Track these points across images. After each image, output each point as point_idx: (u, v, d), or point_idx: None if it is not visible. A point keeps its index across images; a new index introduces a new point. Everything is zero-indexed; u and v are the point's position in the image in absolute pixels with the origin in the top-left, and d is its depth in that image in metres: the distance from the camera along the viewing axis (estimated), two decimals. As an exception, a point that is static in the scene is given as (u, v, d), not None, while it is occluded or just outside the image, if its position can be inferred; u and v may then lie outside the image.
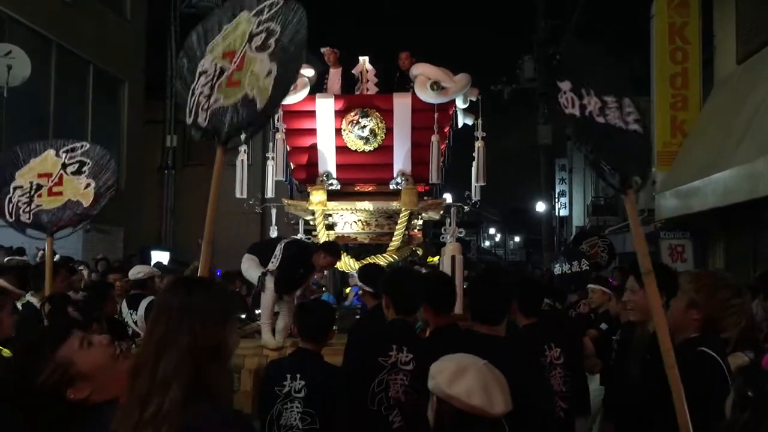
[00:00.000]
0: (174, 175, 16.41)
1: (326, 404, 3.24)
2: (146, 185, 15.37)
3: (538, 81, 19.29)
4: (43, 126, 11.97)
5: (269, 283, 5.07)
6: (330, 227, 6.62)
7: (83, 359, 1.75)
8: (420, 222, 7.20)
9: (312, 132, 6.52)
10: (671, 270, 3.36)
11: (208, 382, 1.65)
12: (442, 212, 7.07)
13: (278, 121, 6.47)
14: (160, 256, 13.26)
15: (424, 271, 6.88)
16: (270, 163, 6.71)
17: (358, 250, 6.71)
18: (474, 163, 6.81)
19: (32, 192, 4.17)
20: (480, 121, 6.74)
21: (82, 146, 4.27)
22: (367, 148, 6.47)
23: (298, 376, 3.28)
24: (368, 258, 6.40)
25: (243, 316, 6.07)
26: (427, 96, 6.21)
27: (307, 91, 6.39)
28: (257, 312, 5.63)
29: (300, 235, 6.94)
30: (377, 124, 6.40)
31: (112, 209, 5.53)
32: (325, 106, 6.44)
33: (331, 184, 6.53)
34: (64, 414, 1.71)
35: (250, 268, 5.24)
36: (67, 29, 12.43)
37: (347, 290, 7.72)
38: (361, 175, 6.67)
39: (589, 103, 2.55)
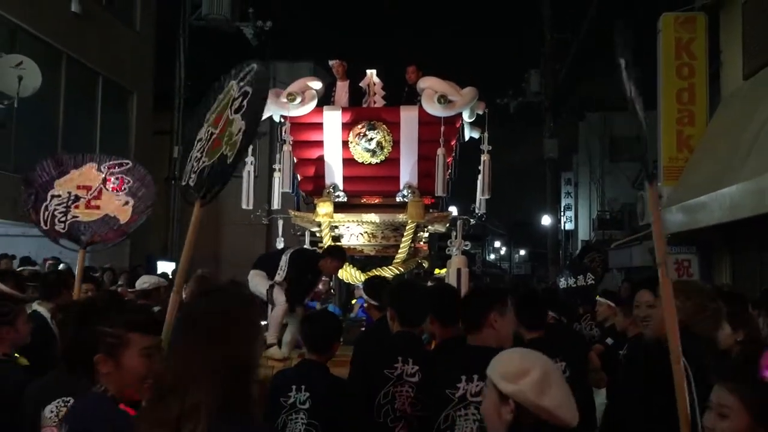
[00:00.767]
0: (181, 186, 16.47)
1: (331, 416, 3.24)
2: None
3: (544, 95, 19.33)
4: (53, 136, 12.06)
5: (278, 295, 5.07)
6: (336, 239, 6.64)
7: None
8: (426, 234, 7.21)
9: (319, 144, 6.56)
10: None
11: (239, 401, 1.60)
12: (447, 225, 7.07)
13: (285, 132, 6.51)
14: (166, 267, 13.29)
15: (429, 283, 6.89)
16: (277, 175, 6.74)
17: (364, 262, 6.73)
18: (480, 177, 6.82)
19: (69, 202, 4.15)
20: (486, 135, 6.76)
21: (125, 164, 4.28)
22: (374, 160, 6.50)
23: (303, 387, 3.28)
24: (374, 270, 6.41)
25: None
26: (434, 109, 6.24)
27: (314, 103, 6.44)
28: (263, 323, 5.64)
29: (306, 246, 6.96)
30: (384, 136, 6.43)
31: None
32: (333, 119, 6.48)
33: (338, 196, 6.56)
34: None
35: (258, 284, 5.21)
36: (77, 41, 12.53)
37: (353, 302, 7.72)
38: (368, 188, 6.70)
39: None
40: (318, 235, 6.78)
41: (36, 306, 4.83)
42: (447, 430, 2.60)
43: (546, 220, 23.68)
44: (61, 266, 7.63)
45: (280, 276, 5.13)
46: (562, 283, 7.14)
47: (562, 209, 26.89)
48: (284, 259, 5.27)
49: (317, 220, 6.55)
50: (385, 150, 6.46)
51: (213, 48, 17.46)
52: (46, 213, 4.17)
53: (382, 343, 3.45)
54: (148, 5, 15.40)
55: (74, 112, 12.84)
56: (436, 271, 7.85)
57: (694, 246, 10.32)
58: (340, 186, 6.58)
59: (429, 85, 6.33)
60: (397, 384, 3.13)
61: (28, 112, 10.65)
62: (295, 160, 6.65)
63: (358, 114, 6.56)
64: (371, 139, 6.43)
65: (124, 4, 14.78)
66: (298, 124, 6.54)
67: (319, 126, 6.52)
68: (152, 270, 11.63)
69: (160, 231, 16.14)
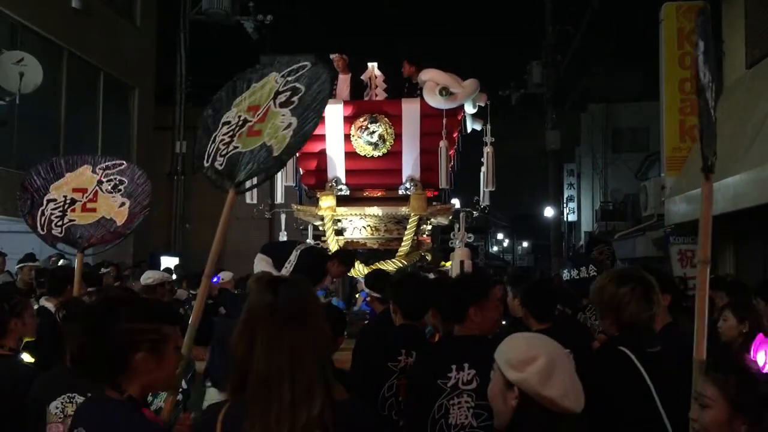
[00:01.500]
0: (183, 181, 16.47)
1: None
2: (156, 191, 15.36)
3: (546, 86, 19.27)
4: (55, 133, 12.06)
5: None
6: (339, 232, 6.64)
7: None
8: (429, 227, 7.21)
9: (321, 138, 6.55)
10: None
11: (329, 377, 1.74)
12: (450, 217, 7.07)
13: (287, 126, 6.50)
14: (170, 262, 13.31)
15: (431, 276, 6.89)
16: (279, 169, 6.74)
17: (367, 255, 6.73)
18: (482, 169, 6.82)
19: (65, 206, 4.12)
20: (488, 127, 6.76)
21: (119, 164, 4.22)
22: (376, 153, 6.50)
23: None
24: (377, 263, 6.42)
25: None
26: (436, 102, 6.23)
27: (316, 97, 6.41)
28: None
29: (309, 240, 6.96)
30: (386, 129, 6.43)
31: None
32: (334, 112, 6.47)
33: (341, 190, 6.56)
34: None
35: (263, 270, 5.24)
36: (78, 37, 12.52)
37: (356, 295, 7.73)
38: (370, 181, 6.69)
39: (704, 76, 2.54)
40: (321, 228, 6.79)
41: (43, 302, 4.85)
42: (441, 419, 2.64)
43: (549, 212, 23.65)
44: (61, 262, 7.64)
45: (287, 270, 5.13)
46: (565, 274, 7.13)
47: (564, 201, 26.84)
48: (295, 255, 5.27)
49: (320, 213, 6.56)
50: (387, 143, 6.46)
51: (214, 42, 17.45)
52: (43, 218, 4.15)
53: (385, 336, 3.45)
54: (149, 0, 15.38)
55: (76, 108, 12.84)
56: (443, 263, 7.85)
57: (698, 236, 10.28)
58: (343, 179, 6.57)
59: (430, 77, 6.32)
60: (401, 377, 3.13)
61: (29, 108, 10.65)
62: (298, 154, 6.65)
63: (360, 107, 6.55)
64: (373, 132, 6.42)
65: (125, -1, 14.78)
66: (299, 118, 6.53)
67: (321, 119, 6.50)
68: (156, 266, 11.65)
69: (162, 227, 16.16)
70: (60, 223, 4.10)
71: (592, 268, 7.12)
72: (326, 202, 6.50)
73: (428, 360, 2.87)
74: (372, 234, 6.71)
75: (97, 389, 2.00)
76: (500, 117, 6.86)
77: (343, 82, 6.85)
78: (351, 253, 5.87)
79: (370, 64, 6.92)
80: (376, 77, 6.89)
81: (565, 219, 26.75)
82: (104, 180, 4.16)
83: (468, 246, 6.65)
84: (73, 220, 4.11)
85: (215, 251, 2.85)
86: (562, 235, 24.30)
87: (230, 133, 2.94)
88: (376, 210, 6.57)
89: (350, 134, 6.48)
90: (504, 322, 4.97)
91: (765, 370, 1.88)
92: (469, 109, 6.56)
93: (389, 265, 6.34)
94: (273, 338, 1.70)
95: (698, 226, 2.63)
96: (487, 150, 6.72)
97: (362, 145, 6.48)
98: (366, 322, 5.72)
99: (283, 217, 7.50)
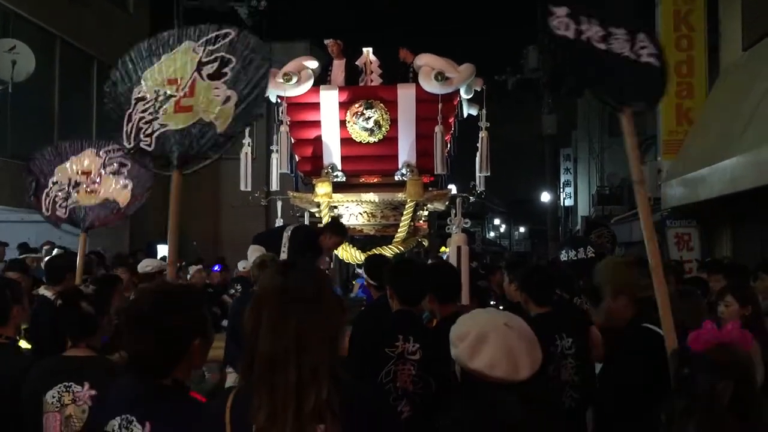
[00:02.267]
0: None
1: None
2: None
3: (542, 71, 19.22)
4: (49, 121, 12.00)
5: None
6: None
7: None
8: (425, 213, 7.20)
9: (316, 124, 6.52)
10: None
11: (335, 360, 1.74)
12: (447, 203, 7.06)
13: (282, 113, 6.47)
14: (166, 251, 13.30)
15: (429, 261, 6.89)
16: (275, 156, 6.71)
17: (363, 241, 6.72)
18: (478, 154, 6.80)
19: (69, 188, 4.19)
20: (484, 112, 6.72)
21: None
22: (372, 139, 6.47)
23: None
24: (374, 249, 6.41)
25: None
26: (432, 86, 6.19)
27: (311, 83, 6.38)
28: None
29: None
30: (382, 115, 6.40)
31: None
32: (330, 98, 6.43)
33: (336, 176, 6.53)
34: None
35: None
36: (70, 24, 12.43)
37: (354, 281, 7.73)
38: (366, 167, 6.67)
39: (588, 29, 2.75)
40: (317, 215, 6.77)
41: (43, 290, 4.85)
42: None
43: (545, 197, 23.67)
44: (55, 251, 7.63)
45: (284, 254, 5.12)
46: (563, 255, 7.12)
47: (561, 185, 26.86)
48: (286, 236, 5.26)
49: (316, 200, 6.54)
50: (383, 129, 6.43)
51: (208, 29, 17.25)
52: (48, 199, 4.24)
53: (382, 321, 3.45)
54: (141, -13, 15.28)
55: (69, 96, 12.78)
56: (442, 249, 7.86)
57: (695, 219, 10.31)
58: (339, 166, 6.55)
59: (426, 62, 6.28)
60: (399, 362, 3.13)
61: (22, 96, 10.59)
62: (293, 141, 6.62)
63: (355, 93, 6.51)
64: (369, 117, 6.39)
65: (117, -14, 14.65)
66: (294, 104, 6.50)
67: (316, 106, 6.48)
68: (152, 254, 11.62)
69: (158, 215, 16.11)
70: (64, 205, 4.20)
71: (590, 249, 7.12)
72: (322, 188, 6.48)
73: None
74: (368, 220, 6.70)
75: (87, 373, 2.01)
76: (496, 102, 6.81)
77: (338, 67, 6.81)
78: (341, 222, 5.85)
79: (365, 50, 6.87)
80: (371, 63, 6.84)
81: (561, 204, 26.78)
82: (108, 163, 4.21)
83: (465, 231, 6.63)
84: (77, 202, 4.21)
85: (173, 240, 2.86)
86: (559, 219, 24.35)
87: (150, 110, 2.90)
88: (372, 196, 6.55)
89: (346, 120, 6.45)
90: (501, 308, 4.98)
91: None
92: (465, 94, 6.53)
93: (386, 251, 6.34)
94: (280, 319, 1.70)
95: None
96: (483, 135, 6.69)
97: (358, 131, 6.45)
98: (363, 308, 5.73)
99: (279, 204, 7.48)
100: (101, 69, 13.66)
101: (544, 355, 2.03)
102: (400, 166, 6.49)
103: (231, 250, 9.04)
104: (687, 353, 1.79)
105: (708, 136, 9.44)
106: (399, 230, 6.49)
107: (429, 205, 6.99)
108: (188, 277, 8.65)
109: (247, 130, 6.74)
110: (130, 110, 2.98)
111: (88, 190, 4.19)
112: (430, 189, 6.65)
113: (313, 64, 6.46)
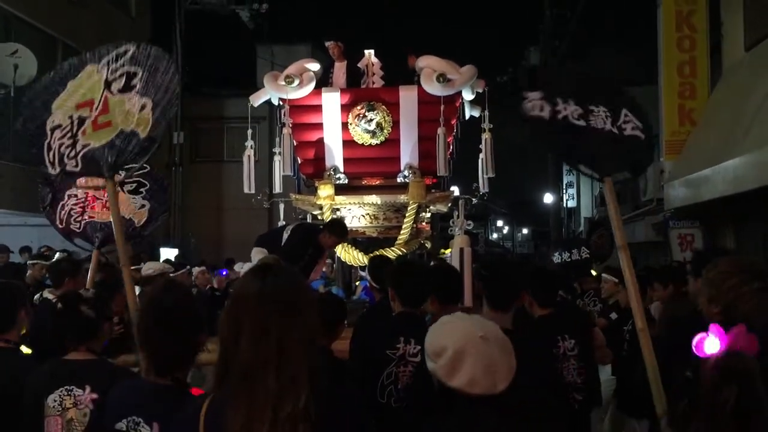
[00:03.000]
0: (181, 172, 16.44)
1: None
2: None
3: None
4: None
5: None
6: (338, 221, 6.61)
7: None
8: (428, 215, 7.19)
9: (318, 126, 6.52)
10: None
11: (314, 366, 1.68)
12: (450, 205, 7.06)
13: (285, 116, 6.47)
14: (169, 253, 13.29)
15: (432, 263, 6.88)
16: (277, 158, 6.71)
17: (366, 243, 6.72)
18: (481, 155, 6.78)
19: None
20: (487, 113, 6.71)
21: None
22: (374, 141, 6.47)
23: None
24: (376, 251, 6.40)
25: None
26: (434, 88, 6.18)
27: (312, 85, 6.38)
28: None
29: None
30: (384, 117, 6.39)
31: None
32: (331, 101, 6.44)
33: (339, 179, 6.53)
34: None
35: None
36: (72, 27, 12.46)
37: (356, 283, 7.73)
38: (369, 169, 6.67)
39: (565, 109, 2.93)
40: (320, 218, 6.77)
41: (46, 293, 4.87)
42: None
43: (548, 198, 23.64)
44: (57, 255, 7.65)
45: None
46: (556, 258, 7.11)
47: (564, 187, 26.79)
48: (286, 235, 5.26)
49: (319, 202, 6.54)
50: (385, 131, 6.43)
51: (209, 32, 17.33)
52: (63, 212, 4.18)
53: (384, 323, 3.44)
54: (143, -10, 15.31)
55: (72, 100, 12.79)
56: (443, 251, 7.85)
57: (698, 220, 10.29)
58: (341, 168, 6.55)
59: (427, 64, 6.27)
60: (400, 364, 3.12)
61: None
62: (295, 143, 6.61)
63: (357, 95, 6.51)
64: (371, 120, 6.39)
65: (119, -11, 14.68)
66: (297, 107, 6.50)
67: (318, 108, 6.48)
68: (155, 257, 11.64)
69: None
70: (79, 219, 4.15)
71: (584, 251, 7.11)
72: (325, 191, 6.48)
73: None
74: (371, 222, 6.69)
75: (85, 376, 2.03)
76: (498, 103, 6.79)
77: (339, 69, 6.81)
78: (342, 222, 5.84)
79: (366, 52, 6.88)
80: (373, 65, 6.84)
81: (564, 205, 26.71)
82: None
83: (468, 233, 6.63)
84: (93, 217, 4.13)
85: (120, 243, 2.98)
86: (562, 221, 24.30)
87: (68, 135, 3.00)
88: (374, 198, 6.55)
89: (348, 122, 6.45)
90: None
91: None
92: (467, 95, 6.52)
93: (389, 254, 6.33)
94: (260, 327, 1.64)
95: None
96: (486, 136, 6.68)
97: (360, 133, 6.45)
98: (364, 310, 5.72)
99: (281, 206, 7.48)
100: (103, 72, 13.71)
101: (546, 356, 2.02)
102: (402, 168, 6.49)
103: (234, 253, 9.04)
104: (691, 358, 1.78)
105: (711, 137, 9.42)
106: (402, 232, 6.48)
107: (431, 207, 6.98)
108: (193, 278, 8.68)
109: (249, 133, 6.76)
110: (48, 140, 3.05)
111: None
112: (432, 191, 6.65)
113: (314, 66, 6.46)
